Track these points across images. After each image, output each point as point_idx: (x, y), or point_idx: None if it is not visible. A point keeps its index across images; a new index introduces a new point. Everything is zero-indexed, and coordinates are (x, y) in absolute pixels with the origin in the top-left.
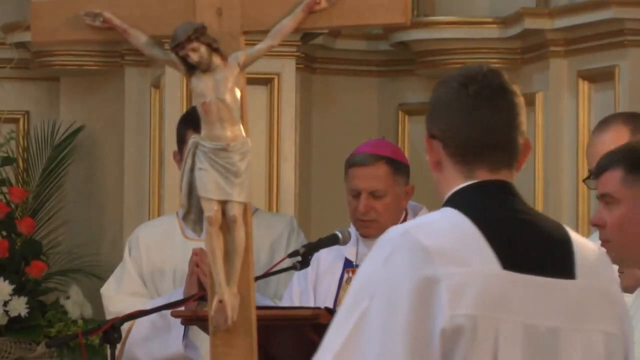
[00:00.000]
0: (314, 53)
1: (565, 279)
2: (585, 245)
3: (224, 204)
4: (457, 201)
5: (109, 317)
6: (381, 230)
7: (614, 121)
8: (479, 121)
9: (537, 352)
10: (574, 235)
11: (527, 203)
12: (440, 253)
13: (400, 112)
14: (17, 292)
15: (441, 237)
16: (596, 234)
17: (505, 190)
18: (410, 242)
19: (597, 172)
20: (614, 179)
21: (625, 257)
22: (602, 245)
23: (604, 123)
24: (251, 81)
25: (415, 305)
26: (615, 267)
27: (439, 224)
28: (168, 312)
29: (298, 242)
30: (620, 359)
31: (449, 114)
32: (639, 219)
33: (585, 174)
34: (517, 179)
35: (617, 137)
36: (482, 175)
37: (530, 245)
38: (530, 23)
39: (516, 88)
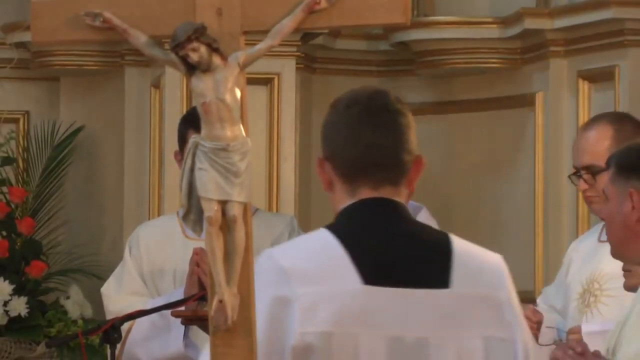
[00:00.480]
0: (314, 53)
1: (437, 289)
2: (474, 256)
3: (224, 203)
4: (336, 221)
5: (109, 316)
6: None
7: (600, 120)
8: (361, 141)
9: None
10: (462, 247)
11: (410, 218)
12: (297, 274)
13: None
14: (17, 292)
15: (302, 258)
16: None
17: (384, 208)
18: (270, 264)
19: (603, 170)
20: (607, 177)
21: (617, 251)
22: (608, 239)
23: (590, 121)
24: (251, 81)
25: (269, 323)
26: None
27: (304, 246)
28: (168, 311)
29: None
30: None
31: (335, 135)
32: (619, 217)
33: None
34: (517, 179)
35: (600, 136)
36: (365, 193)
37: (398, 259)
38: (530, 23)
39: (403, 107)
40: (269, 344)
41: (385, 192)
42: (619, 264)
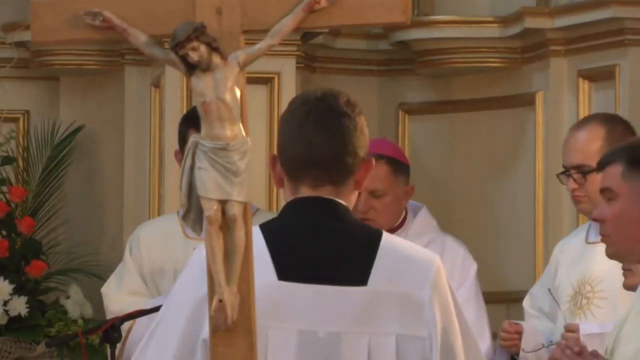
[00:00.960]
0: (314, 52)
1: (353, 287)
2: (402, 256)
3: (223, 203)
4: (273, 218)
5: (109, 316)
6: (380, 229)
7: (591, 121)
8: (304, 140)
9: (315, 356)
10: (391, 247)
11: (342, 218)
12: None
13: (400, 112)
14: (17, 291)
15: None
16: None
17: (315, 206)
18: (198, 260)
19: (599, 167)
20: (614, 174)
21: (621, 251)
22: (602, 240)
23: (581, 122)
24: (251, 80)
25: (190, 317)
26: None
27: None
28: None
29: None
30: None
31: (283, 133)
32: (635, 213)
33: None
34: (517, 179)
35: (592, 137)
36: (305, 191)
37: (317, 256)
38: (530, 22)
39: (352, 110)
40: (187, 335)
41: (325, 192)
42: (609, 266)
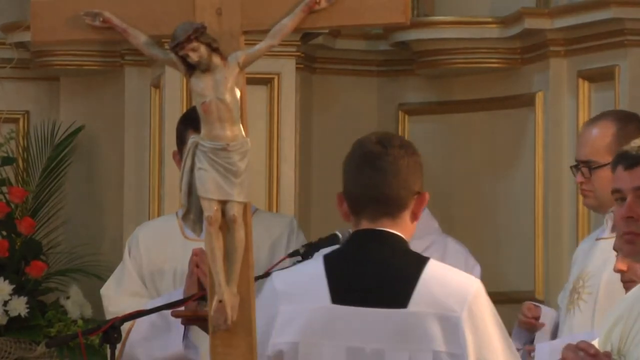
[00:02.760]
0: (314, 53)
1: (395, 309)
2: (441, 281)
3: (223, 203)
4: (335, 249)
5: (108, 317)
6: None
7: (605, 117)
8: (361, 180)
9: None
10: (433, 273)
11: (394, 247)
12: (284, 294)
13: (400, 112)
14: (17, 292)
15: (292, 281)
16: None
17: (371, 238)
18: (270, 286)
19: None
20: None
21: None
22: (629, 238)
23: (596, 117)
24: (251, 81)
25: (260, 334)
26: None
27: (298, 270)
28: (168, 312)
29: (298, 242)
30: None
31: (345, 174)
32: None
33: None
34: (517, 180)
35: (602, 133)
36: (365, 224)
37: (365, 282)
38: (530, 23)
39: (406, 150)
40: (259, 350)
41: (382, 224)
42: (601, 262)
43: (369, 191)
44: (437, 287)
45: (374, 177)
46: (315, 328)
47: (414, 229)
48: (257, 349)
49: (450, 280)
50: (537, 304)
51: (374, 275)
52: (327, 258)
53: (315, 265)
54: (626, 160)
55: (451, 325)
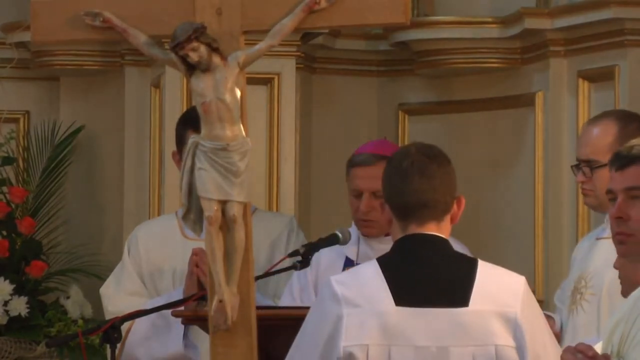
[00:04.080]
0: (314, 53)
1: (457, 308)
2: (494, 279)
3: (223, 203)
4: (388, 253)
5: (108, 317)
6: (382, 230)
7: (607, 117)
8: (410, 187)
9: None
10: (486, 272)
11: (445, 249)
12: (347, 298)
13: (400, 112)
14: (17, 291)
15: (352, 285)
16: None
17: (422, 241)
18: (329, 291)
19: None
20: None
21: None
22: (620, 238)
23: (597, 116)
24: (251, 81)
25: (326, 337)
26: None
27: (356, 274)
28: (168, 311)
29: (298, 242)
30: None
31: (392, 183)
32: None
33: None
34: (517, 180)
35: (604, 132)
36: (413, 228)
37: (425, 284)
38: (530, 23)
39: (444, 159)
40: (325, 351)
41: (429, 228)
42: (603, 262)
43: (420, 196)
44: (493, 286)
45: (424, 184)
46: (383, 330)
47: (450, 232)
48: (319, 351)
49: (502, 279)
50: (548, 314)
51: (432, 277)
52: (382, 262)
53: (371, 269)
54: (618, 161)
55: (510, 321)
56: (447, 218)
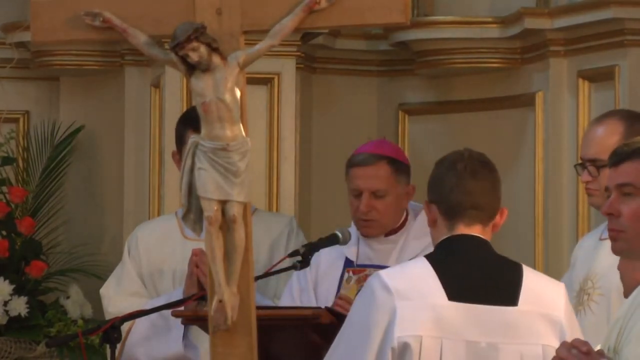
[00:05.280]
0: (314, 53)
1: (506, 306)
2: (539, 283)
3: (223, 203)
4: (435, 251)
5: (108, 317)
6: (382, 230)
7: (613, 116)
8: (463, 188)
9: None
10: (531, 275)
11: (491, 251)
12: (399, 291)
13: (400, 112)
14: (17, 292)
15: (403, 279)
16: (598, 230)
17: (471, 241)
18: (380, 283)
19: (615, 161)
20: (637, 169)
21: (636, 247)
22: (612, 234)
23: (602, 115)
24: (251, 81)
25: (383, 328)
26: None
27: (406, 269)
28: (168, 312)
29: (298, 242)
30: None
31: (443, 184)
32: None
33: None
34: (517, 179)
35: (610, 131)
36: (460, 229)
37: (476, 281)
38: (530, 23)
39: (493, 166)
40: (378, 342)
41: (475, 230)
42: (610, 262)
43: (471, 198)
44: (538, 289)
45: (476, 186)
46: (436, 323)
47: (490, 238)
48: (371, 342)
49: (546, 284)
50: None
51: (483, 276)
52: (431, 259)
53: (422, 266)
54: (613, 158)
55: (556, 324)
56: (490, 224)
